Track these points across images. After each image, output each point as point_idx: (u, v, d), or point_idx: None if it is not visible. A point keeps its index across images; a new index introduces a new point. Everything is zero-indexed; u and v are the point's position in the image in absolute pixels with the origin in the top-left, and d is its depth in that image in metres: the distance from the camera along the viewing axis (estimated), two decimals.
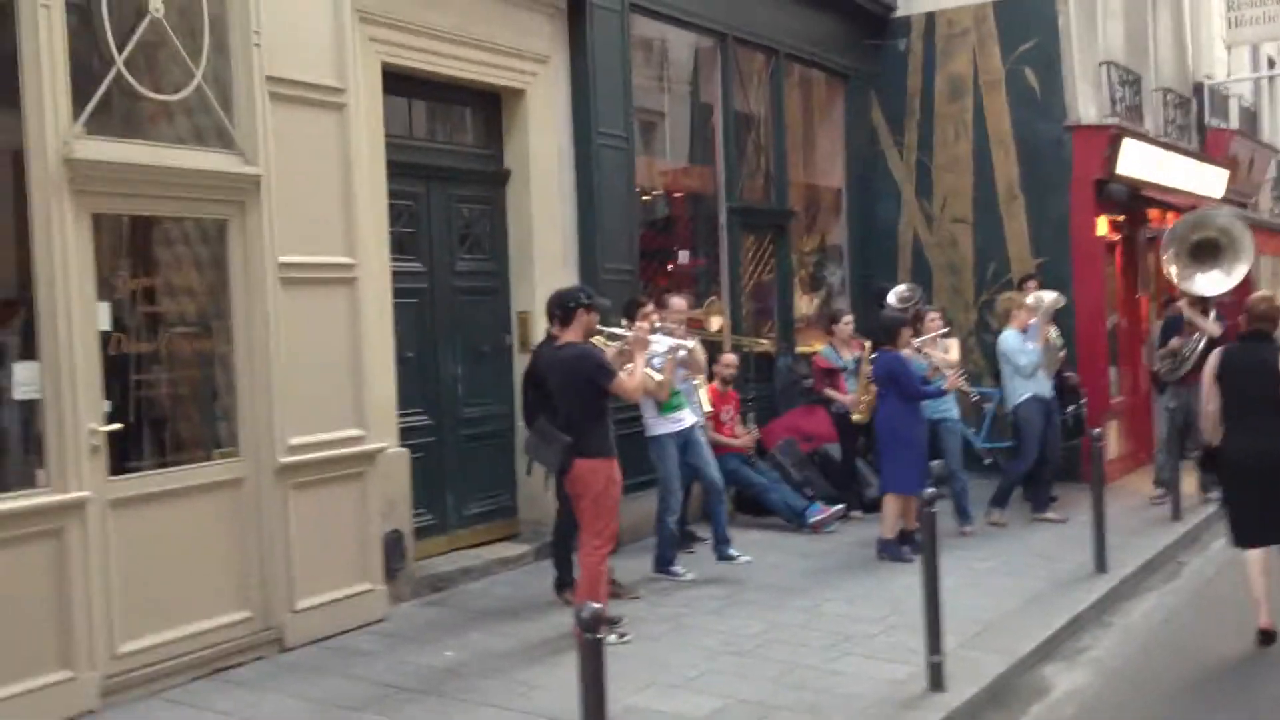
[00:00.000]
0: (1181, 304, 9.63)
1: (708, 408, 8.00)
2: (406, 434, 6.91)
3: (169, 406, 5.93)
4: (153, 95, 5.48)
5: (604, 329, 6.22)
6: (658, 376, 6.93)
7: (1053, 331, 8.85)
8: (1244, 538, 6.14)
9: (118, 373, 5.41)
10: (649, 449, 7.28)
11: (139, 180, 5.34)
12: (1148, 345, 10.59)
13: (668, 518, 7.25)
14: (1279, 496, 5.98)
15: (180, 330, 5.98)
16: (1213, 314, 9.51)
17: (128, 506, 5.22)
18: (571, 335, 5.83)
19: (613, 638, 5.62)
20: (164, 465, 5.65)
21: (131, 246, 5.88)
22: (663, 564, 7.26)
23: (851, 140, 11.40)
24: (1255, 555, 6.09)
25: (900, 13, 11.39)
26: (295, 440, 5.87)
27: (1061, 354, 9.00)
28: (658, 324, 7.24)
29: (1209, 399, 6.25)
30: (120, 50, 5.28)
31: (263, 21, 5.78)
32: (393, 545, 6.48)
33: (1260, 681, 5.45)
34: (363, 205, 6.36)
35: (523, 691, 5.16)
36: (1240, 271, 9.76)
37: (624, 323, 7.24)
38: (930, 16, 11.21)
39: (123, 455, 5.40)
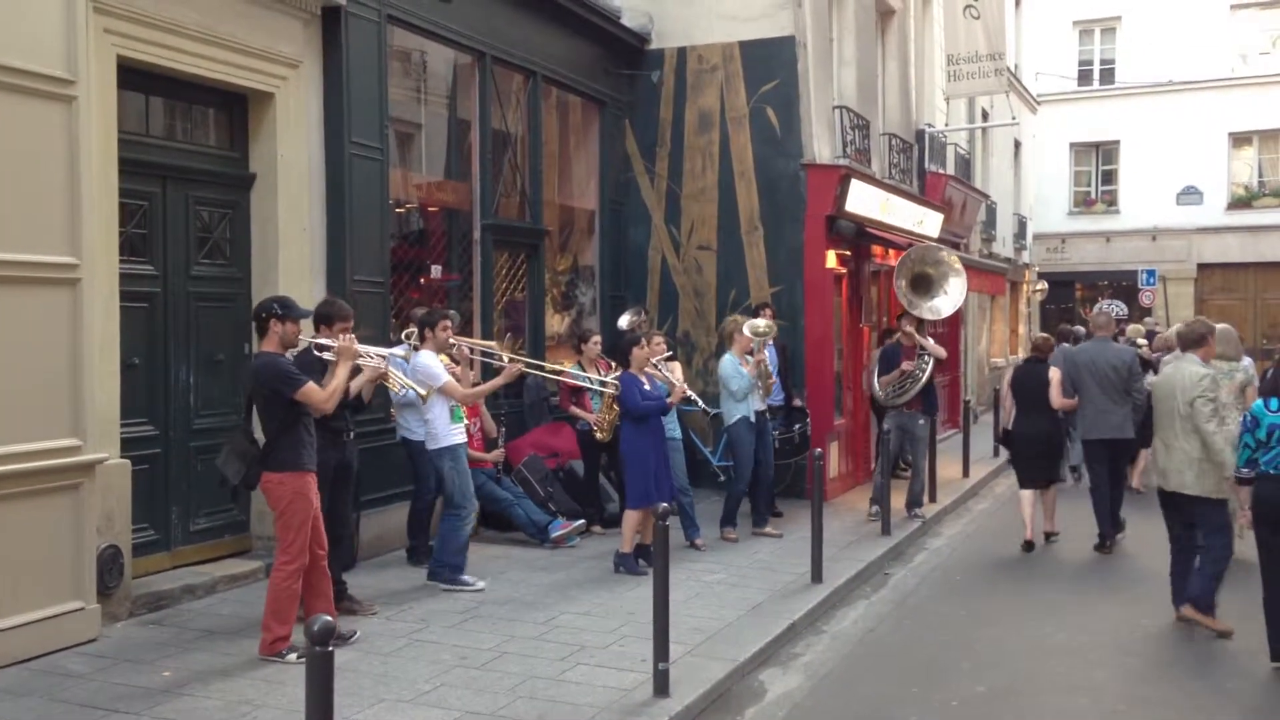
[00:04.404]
0: (906, 328, 10.15)
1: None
2: (130, 444, 6.59)
3: None
4: None
5: (313, 339, 6.13)
6: (421, 391, 6.96)
7: (765, 355, 9.16)
8: (1022, 482, 9.71)
9: None
10: (438, 459, 7.27)
11: None
12: (866, 373, 11.18)
13: (463, 526, 7.25)
14: (1043, 458, 9.60)
15: None
16: (930, 340, 10.35)
17: None
18: (269, 346, 5.79)
19: (292, 656, 5.55)
20: None
21: None
22: (455, 572, 7.26)
23: (606, 165, 11.74)
24: (1026, 493, 9.65)
25: (655, 45, 11.83)
26: (1, 449, 5.49)
27: (771, 381, 9.27)
28: (452, 340, 7.38)
29: (1006, 398, 10.00)
30: None
31: None
32: (109, 561, 6.15)
33: (951, 684, 5.99)
34: (89, 203, 6.03)
35: (246, 711, 5.02)
36: (956, 300, 10.74)
37: (407, 335, 7.44)
38: (682, 51, 11.72)
39: None
